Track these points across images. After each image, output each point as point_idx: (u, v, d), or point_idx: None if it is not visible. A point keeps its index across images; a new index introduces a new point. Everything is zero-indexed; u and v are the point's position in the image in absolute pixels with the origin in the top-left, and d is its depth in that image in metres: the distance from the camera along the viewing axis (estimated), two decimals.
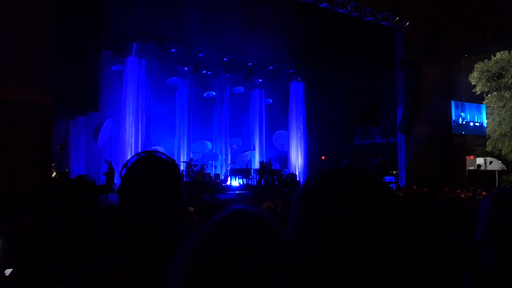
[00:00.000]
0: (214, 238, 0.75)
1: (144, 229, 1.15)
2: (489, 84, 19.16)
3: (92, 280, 1.11)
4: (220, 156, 18.63)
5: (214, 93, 18.52)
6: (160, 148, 17.02)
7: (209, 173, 16.71)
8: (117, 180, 13.82)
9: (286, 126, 19.87)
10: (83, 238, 1.78)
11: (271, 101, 20.09)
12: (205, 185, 14.83)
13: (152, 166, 1.19)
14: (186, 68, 16.70)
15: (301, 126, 19.61)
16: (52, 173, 11.40)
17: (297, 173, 18.60)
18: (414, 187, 14.02)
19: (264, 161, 17.71)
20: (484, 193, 10.15)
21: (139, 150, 14.89)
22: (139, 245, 1.15)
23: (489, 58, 19.03)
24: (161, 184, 1.17)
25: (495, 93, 19.12)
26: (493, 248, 1.39)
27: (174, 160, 1.24)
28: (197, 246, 0.75)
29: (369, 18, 15.81)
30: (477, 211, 1.50)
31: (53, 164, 11.29)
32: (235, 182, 16.46)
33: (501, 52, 18.75)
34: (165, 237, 1.16)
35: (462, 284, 1.39)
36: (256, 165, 19.10)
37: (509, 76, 18.62)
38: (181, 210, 1.22)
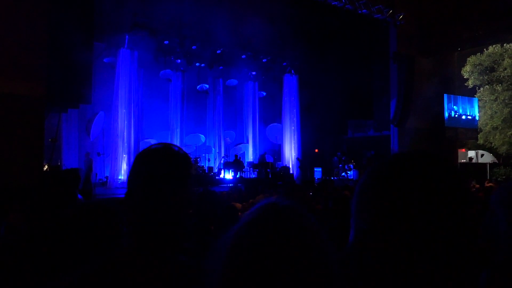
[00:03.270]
0: (251, 235, 0.73)
1: (158, 217, 1.17)
2: (481, 77, 19.28)
3: (103, 270, 1.13)
4: (213, 149, 18.61)
5: (207, 86, 18.44)
6: (152, 141, 16.97)
7: (203, 166, 16.69)
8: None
9: (279, 119, 19.87)
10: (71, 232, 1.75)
11: (264, 94, 20.05)
12: (198, 178, 14.81)
13: (165, 156, 1.22)
14: (179, 61, 16.59)
15: (295, 119, 19.61)
16: (44, 166, 11.31)
17: (290, 166, 18.64)
18: None
19: (259, 154, 17.79)
20: (477, 185, 10.24)
21: (132, 143, 14.86)
22: (152, 233, 1.17)
23: (482, 52, 19.12)
24: (174, 174, 1.20)
25: (487, 86, 19.24)
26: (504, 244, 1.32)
27: (186, 153, 1.27)
28: (234, 242, 0.73)
29: (363, 11, 15.79)
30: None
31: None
32: (229, 175, 16.46)
33: (493, 46, 18.84)
34: (177, 225, 1.19)
35: (480, 283, 1.31)
36: (250, 158, 19.11)
37: (501, 70, 18.74)
38: (191, 200, 1.24)
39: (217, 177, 16.21)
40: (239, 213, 3.75)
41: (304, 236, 0.73)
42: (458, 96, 18.47)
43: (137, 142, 15.16)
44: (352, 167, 18.88)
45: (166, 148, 1.24)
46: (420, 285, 0.68)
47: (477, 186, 9.93)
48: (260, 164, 17.44)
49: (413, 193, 0.69)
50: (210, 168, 16.77)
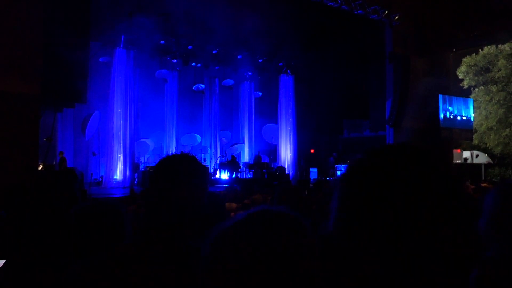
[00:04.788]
0: (239, 238, 0.71)
1: (176, 213, 1.30)
2: (476, 78, 19.35)
3: (112, 258, 1.21)
4: (209, 149, 18.59)
5: (203, 86, 18.42)
6: (148, 141, 16.94)
7: None
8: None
9: (275, 119, 19.87)
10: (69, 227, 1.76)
11: (260, 94, 20.06)
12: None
13: (183, 160, 1.40)
14: (175, 61, 16.57)
15: (291, 119, 19.62)
16: (39, 165, 11.27)
17: (286, 166, 18.65)
18: None
19: (254, 154, 17.79)
20: (472, 186, 10.27)
21: (128, 142, 14.82)
22: (163, 227, 1.29)
23: (477, 53, 19.20)
24: (191, 175, 1.36)
25: (482, 87, 19.31)
26: (498, 241, 1.34)
27: (204, 165, 1.47)
28: (218, 246, 0.72)
29: (359, 11, 15.82)
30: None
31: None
32: (224, 175, 16.45)
33: (489, 46, 18.93)
34: (192, 221, 1.32)
35: (470, 280, 1.30)
36: (246, 158, 19.11)
37: (496, 71, 18.82)
38: (204, 198, 1.37)
39: (212, 177, 16.20)
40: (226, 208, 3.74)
41: (298, 243, 0.72)
42: (453, 96, 18.54)
43: (132, 142, 15.12)
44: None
45: (184, 154, 1.44)
46: (406, 283, 0.67)
47: (473, 187, 9.94)
48: (256, 164, 17.44)
49: (395, 184, 0.68)
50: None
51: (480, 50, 19.15)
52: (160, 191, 1.32)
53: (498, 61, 18.82)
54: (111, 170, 14.43)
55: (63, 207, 1.85)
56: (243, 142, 19.51)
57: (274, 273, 0.68)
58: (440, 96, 17.83)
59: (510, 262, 1.30)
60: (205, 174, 1.41)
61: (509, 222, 1.33)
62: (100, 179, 14.80)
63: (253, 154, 19.13)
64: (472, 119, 18.89)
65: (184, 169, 1.36)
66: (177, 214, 1.29)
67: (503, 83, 18.82)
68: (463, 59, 19.37)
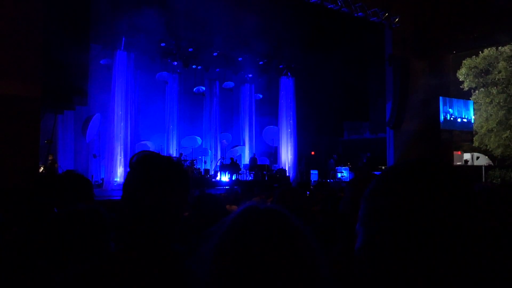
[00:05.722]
0: (233, 238, 0.74)
1: (154, 220, 1.25)
2: (476, 80, 19.36)
3: (95, 271, 1.17)
4: (209, 151, 18.59)
5: (204, 88, 18.44)
6: (149, 143, 16.95)
7: (199, 168, 16.67)
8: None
9: (276, 121, 19.87)
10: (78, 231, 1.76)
11: (261, 96, 20.07)
12: (194, 180, 14.78)
13: (162, 163, 1.32)
14: (175, 63, 16.58)
15: (291, 121, 19.61)
16: (40, 167, 11.27)
17: (286, 169, 18.64)
18: None
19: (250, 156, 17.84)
20: None
21: (128, 145, 14.82)
22: (146, 234, 1.24)
23: (477, 55, 19.21)
24: (170, 179, 1.29)
25: (482, 89, 19.32)
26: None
27: (179, 161, 1.35)
28: (219, 247, 0.74)
29: (359, 13, 15.86)
30: None
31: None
32: (225, 177, 16.45)
33: (489, 48, 18.94)
34: (171, 227, 1.27)
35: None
36: (246, 160, 19.11)
37: (496, 73, 18.83)
38: (183, 204, 1.32)
39: (213, 180, 16.20)
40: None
41: (287, 239, 0.73)
42: (454, 98, 18.54)
43: (133, 144, 15.12)
44: (348, 169, 18.92)
45: (158, 156, 1.34)
46: None
47: None
48: (256, 167, 17.44)
49: (429, 201, 0.70)
50: (207, 171, 16.75)
51: (480, 52, 19.17)
52: (133, 198, 1.27)
53: (498, 63, 18.84)
54: (111, 172, 14.43)
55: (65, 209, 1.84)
56: (244, 144, 19.51)
57: (272, 272, 0.69)
58: (441, 98, 17.84)
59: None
60: (181, 177, 1.32)
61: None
62: (101, 181, 14.80)
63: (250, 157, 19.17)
64: (472, 121, 18.89)
65: (157, 174, 1.28)
66: (154, 220, 1.24)
67: (503, 85, 18.83)
68: (463, 61, 19.39)
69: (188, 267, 1.19)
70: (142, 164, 1.31)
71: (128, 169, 1.34)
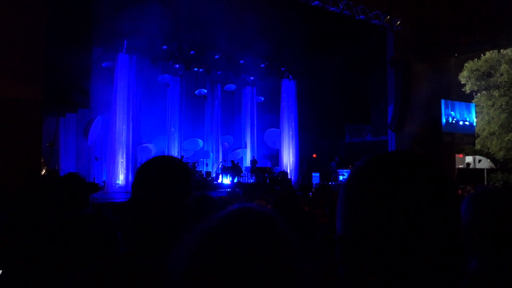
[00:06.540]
0: (216, 237, 0.71)
1: (158, 221, 1.27)
2: (478, 83, 19.36)
3: (102, 274, 1.17)
4: (211, 153, 18.60)
5: (205, 91, 18.47)
6: (151, 146, 16.97)
7: (200, 170, 16.67)
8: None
9: (277, 124, 19.88)
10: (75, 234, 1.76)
11: (262, 99, 20.09)
12: (196, 182, 14.76)
13: (166, 164, 1.34)
14: (177, 66, 16.61)
15: (293, 124, 19.61)
16: (42, 170, 11.29)
17: (288, 171, 18.64)
18: None
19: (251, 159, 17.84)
20: (472, 190, 10.25)
21: (130, 148, 14.85)
22: (151, 237, 1.26)
23: (479, 57, 19.21)
24: (174, 181, 1.31)
25: (484, 92, 19.32)
26: (479, 252, 1.28)
27: (186, 163, 1.41)
28: (198, 245, 0.72)
29: (360, 16, 15.87)
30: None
31: (42, 160, 11.17)
32: (227, 180, 16.45)
33: (491, 51, 18.94)
34: (176, 229, 1.28)
35: None
36: (248, 163, 19.11)
37: (498, 75, 18.82)
38: (190, 206, 1.34)
39: (215, 182, 16.19)
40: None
41: (267, 245, 0.71)
42: (456, 101, 18.52)
43: (135, 147, 15.14)
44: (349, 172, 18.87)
45: (167, 158, 1.37)
46: None
47: (472, 190, 9.93)
48: (258, 169, 17.44)
49: (405, 195, 0.68)
50: (208, 173, 16.75)
51: (482, 55, 19.17)
52: (141, 200, 1.29)
53: (500, 66, 18.84)
54: (113, 175, 14.45)
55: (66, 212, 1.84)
56: (245, 147, 19.51)
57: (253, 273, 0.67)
58: (442, 101, 17.81)
59: (496, 274, 1.25)
60: (186, 179, 1.34)
61: (488, 232, 1.28)
62: (103, 184, 14.81)
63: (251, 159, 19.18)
64: (474, 124, 18.85)
65: (164, 176, 1.30)
66: (160, 222, 1.26)
67: (505, 88, 18.82)
68: (465, 64, 19.38)
69: None
70: (153, 166, 1.34)
71: (131, 172, 1.36)
